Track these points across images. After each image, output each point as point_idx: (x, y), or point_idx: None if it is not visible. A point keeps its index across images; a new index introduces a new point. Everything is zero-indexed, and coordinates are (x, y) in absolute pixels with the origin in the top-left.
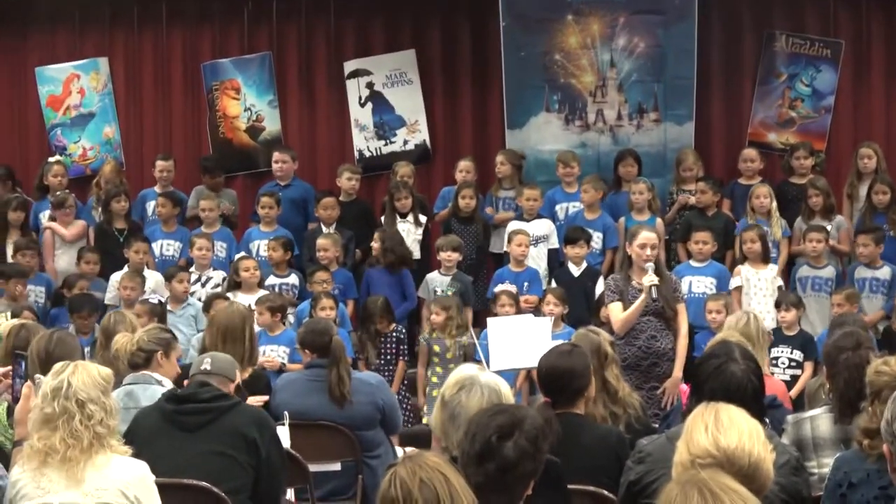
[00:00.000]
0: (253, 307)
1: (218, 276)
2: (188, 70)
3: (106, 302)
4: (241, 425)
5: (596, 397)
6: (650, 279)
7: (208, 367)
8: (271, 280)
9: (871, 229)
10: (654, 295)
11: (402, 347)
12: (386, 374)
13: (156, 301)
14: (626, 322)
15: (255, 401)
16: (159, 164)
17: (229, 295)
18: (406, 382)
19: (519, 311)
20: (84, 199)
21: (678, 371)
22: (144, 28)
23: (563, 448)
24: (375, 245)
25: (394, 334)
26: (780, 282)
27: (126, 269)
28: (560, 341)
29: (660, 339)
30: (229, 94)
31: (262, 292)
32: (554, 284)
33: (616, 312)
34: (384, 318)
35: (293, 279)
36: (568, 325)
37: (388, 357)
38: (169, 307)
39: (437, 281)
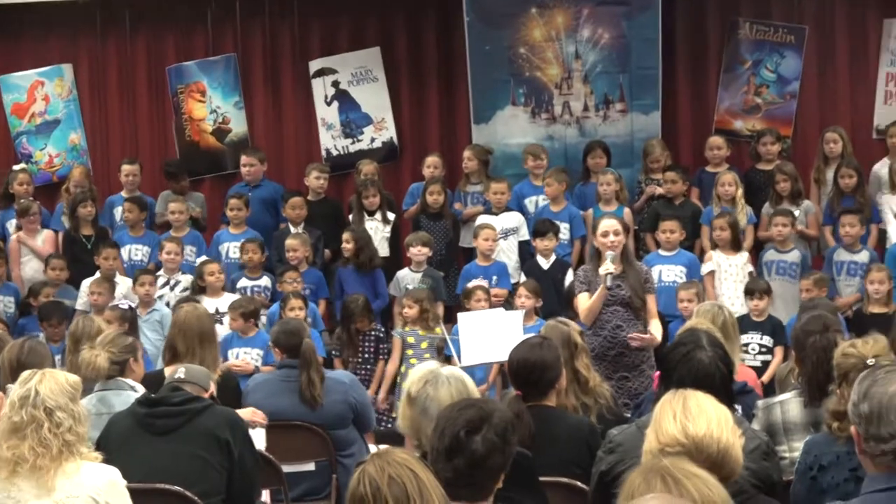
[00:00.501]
0: (219, 311)
1: (187, 279)
2: (153, 74)
3: (77, 308)
4: (213, 427)
5: (567, 388)
6: (605, 268)
7: (182, 376)
8: (243, 282)
9: (856, 210)
10: (609, 284)
11: (381, 346)
12: (364, 372)
13: (126, 307)
14: (591, 312)
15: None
16: (125, 168)
17: (198, 299)
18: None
19: (492, 305)
20: (51, 207)
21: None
22: (108, 33)
23: (536, 440)
24: (348, 245)
25: (372, 333)
26: (750, 267)
27: (97, 275)
28: (532, 334)
29: (626, 329)
30: (195, 96)
31: (227, 296)
32: (524, 278)
33: (583, 303)
34: (364, 317)
35: (265, 281)
36: (541, 317)
37: (367, 356)
38: (138, 313)
39: (408, 278)
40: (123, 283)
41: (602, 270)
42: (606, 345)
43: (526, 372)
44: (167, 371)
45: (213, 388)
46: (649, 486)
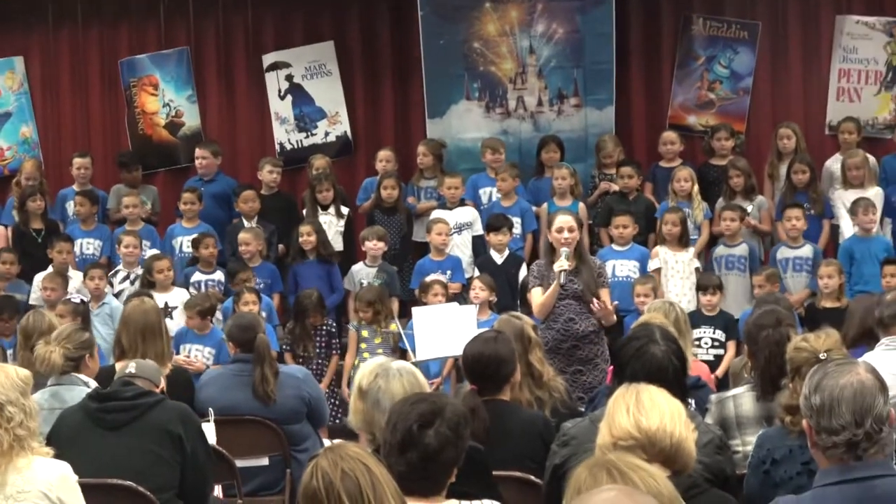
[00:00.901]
0: (169, 305)
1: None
2: (105, 67)
3: (30, 303)
4: (165, 422)
5: (521, 382)
6: (559, 265)
7: (133, 371)
8: (197, 276)
9: (799, 204)
10: (563, 280)
11: (333, 341)
12: (316, 367)
13: (78, 300)
14: (544, 306)
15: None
16: (76, 161)
17: (150, 293)
18: (335, 376)
19: (448, 299)
20: (1, 201)
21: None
22: (60, 26)
23: (490, 435)
24: (310, 238)
25: (324, 328)
26: (696, 263)
27: (50, 269)
28: (486, 328)
29: (578, 322)
30: (147, 90)
31: (176, 290)
32: (478, 272)
33: (536, 297)
34: (318, 312)
35: (218, 275)
36: (495, 312)
37: (320, 350)
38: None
39: (363, 272)
40: (76, 278)
41: (556, 267)
42: (559, 338)
43: (481, 366)
44: (117, 366)
45: (162, 384)
46: (595, 479)
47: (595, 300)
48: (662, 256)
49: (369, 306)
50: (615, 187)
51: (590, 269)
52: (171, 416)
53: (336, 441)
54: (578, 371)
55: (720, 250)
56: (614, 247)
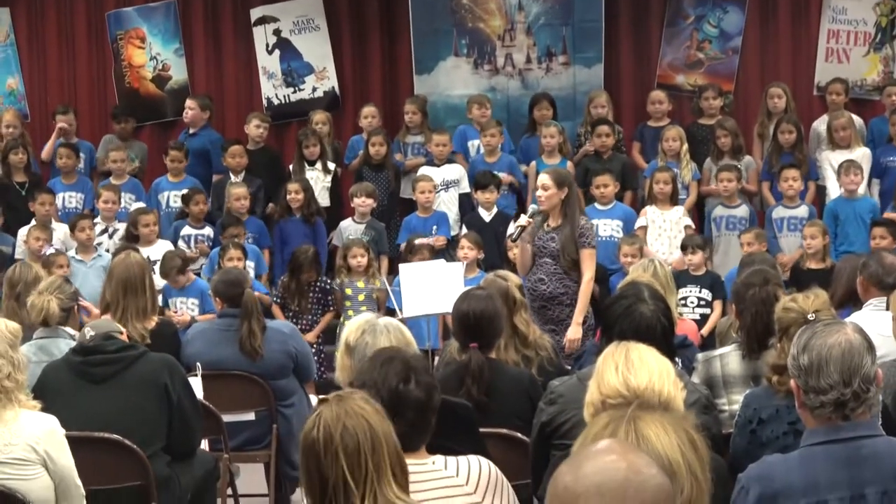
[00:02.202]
0: (151, 259)
1: (124, 227)
2: (92, 20)
3: (16, 256)
4: (150, 373)
5: (507, 343)
6: (521, 219)
7: (92, 332)
8: (187, 230)
9: (798, 164)
10: (514, 235)
11: (329, 297)
12: (306, 322)
13: (52, 252)
14: (519, 263)
15: None
16: (59, 118)
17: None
18: (322, 333)
19: (436, 255)
20: None
21: (578, 317)
22: None
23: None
24: (298, 196)
25: (318, 284)
26: (687, 221)
27: (33, 222)
28: (474, 286)
29: (547, 283)
30: (134, 43)
31: (160, 243)
32: (465, 230)
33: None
34: (312, 268)
35: (207, 230)
36: (482, 270)
37: (311, 306)
38: (79, 257)
39: (351, 228)
40: (59, 230)
41: (517, 222)
42: (528, 297)
43: (484, 323)
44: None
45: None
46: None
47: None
48: (650, 216)
49: (366, 251)
50: (591, 148)
51: (571, 229)
52: (157, 367)
53: (346, 391)
54: (552, 331)
55: (719, 210)
56: (597, 206)
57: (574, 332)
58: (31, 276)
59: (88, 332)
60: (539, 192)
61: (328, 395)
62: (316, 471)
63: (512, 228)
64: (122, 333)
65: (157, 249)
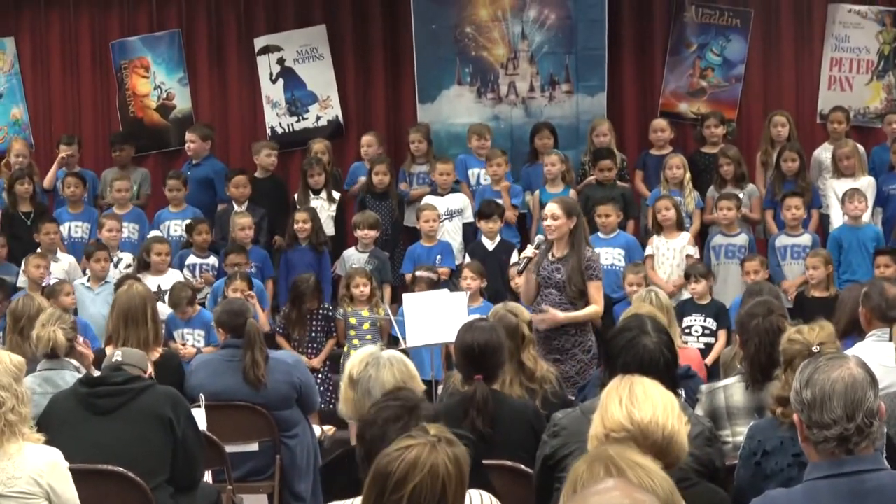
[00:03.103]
0: (161, 288)
1: (128, 257)
2: (97, 49)
3: (18, 285)
4: (155, 406)
5: (512, 379)
6: (525, 252)
7: (119, 359)
8: (192, 259)
9: (800, 193)
10: (521, 268)
11: (332, 325)
12: (311, 351)
13: (54, 281)
14: (523, 294)
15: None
16: (63, 147)
17: (139, 276)
18: (329, 361)
19: (437, 284)
20: None
21: (562, 315)
22: (52, 7)
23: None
24: (305, 225)
25: (321, 312)
26: (690, 250)
27: (38, 251)
28: (477, 315)
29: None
30: (139, 72)
31: (171, 272)
32: (469, 259)
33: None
34: (314, 297)
35: (212, 259)
36: (486, 299)
37: (315, 335)
38: (89, 285)
39: (355, 258)
40: (64, 260)
41: (523, 254)
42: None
43: (488, 354)
44: (107, 350)
45: (150, 370)
46: (593, 474)
47: (536, 316)
48: (655, 244)
49: (369, 280)
50: (594, 179)
51: (578, 259)
52: (162, 400)
53: (443, 432)
54: (556, 360)
55: (718, 239)
56: (599, 235)
57: (556, 314)
58: (35, 308)
59: (116, 355)
60: (548, 222)
61: (432, 429)
62: (374, 498)
63: (515, 257)
64: (146, 373)
65: (168, 279)
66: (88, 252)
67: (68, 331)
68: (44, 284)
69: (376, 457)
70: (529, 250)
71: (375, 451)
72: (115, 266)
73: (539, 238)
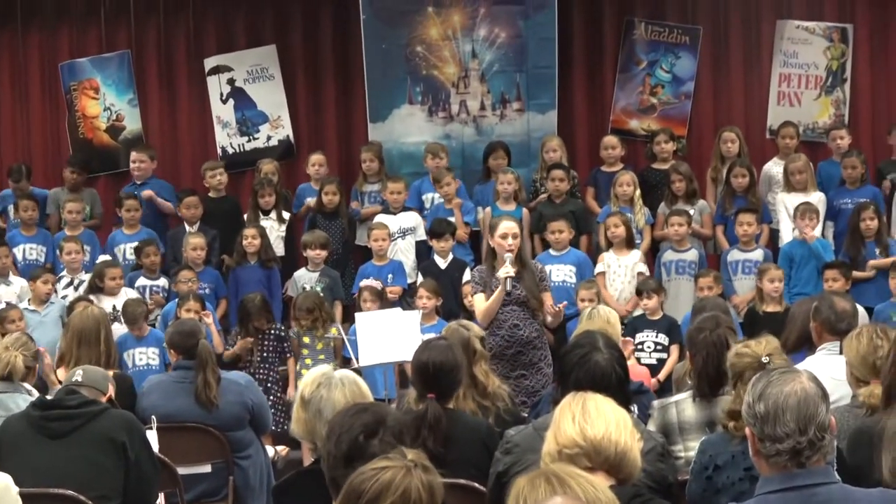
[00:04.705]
0: (116, 308)
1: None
2: (46, 70)
3: None
4: (109, 430)
5: (465, 393)
6: (505, 271)
7: (79, 379)
8: (142, 281)
9: (753, 209)
10: (509, 287)
11: (284, 345)
12: (263, 372)
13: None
14: (488, 313)
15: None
16: (11, 184)
17: (92, 298)
18: (280, 381)
19: (383, 305)
20: None
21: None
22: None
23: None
24: (255, 241)
25: (272, 332)
26: (641, 267)
27: None
28: (432, 334)
29: (523, 328)
30: (88, 93)
31: (125, 292)
32: (422, 277)
33: (479, 304)
34: (262, 316)
35: (162, 281)
36: (441, 317)
37: (267, 355)
38: (34, 308)
39: (305, 277)
40: (16, 283)
41: (502, 273)
42: (504, 344)
43: (443, 374)
44: (59, 372)
45: (111, 391)
46: (534, 489)
47: (551, 305)
48: (607, 261)
49: (309, 313)
50: (545, 196)
51: (531, 274)
52: (116, 424)
53: (421, 458)
54: (522, 375)
55: (669, 255)
56: (551, 252)
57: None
58: None
59: (77, 374)
60: (510, 241)
61: (410, 454)
62: None
63: (468, 276)
64: (105, 394)
65: (122, 300)
66: (34, 274)
67: (28, 358)
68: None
69: (354, 463)
70: (509, 268)
71: (354, 452)
72: (76, 289)
73: (509, 256)
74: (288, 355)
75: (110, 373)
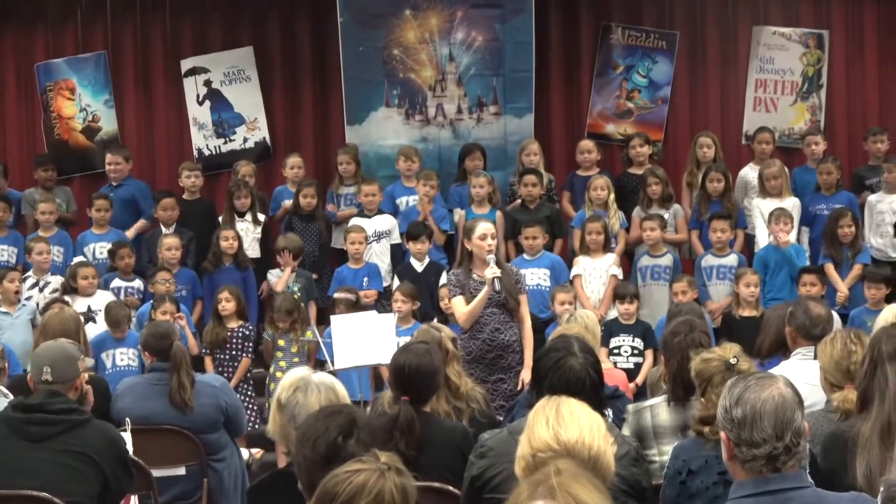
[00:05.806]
0: (91, 309)
1: (56, 280)
2: (21, 71)
3: None
4: (86, 445)
5: (438, 394)
6: (493, 271)
7: (49, 378)
8: (117, 283)
9: (726, 215)
10: (497, 287)
11: (247, 344)
12: (230, 370)
13: None
14: (471, 315)
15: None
16: None
17: (67, 299)
18: (252, 382)
19: (358, 310)
20: None
21: (529, 359)
22: None
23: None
24: (234, 243)
25: (240, 330)
26: (615, 270)
27: None
28: (408, 337)
29: (504, 332)
30: (64, 94)
31: (100, 293)
32: (398, 280)
33: (459, 307)
34: (235, 315)
35: (137, 283)
36: (418, 320)
37: (234, 353)
38: (5, 310)
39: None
40: None
41: (489, 274)
42: (485, 347)
43: (418, 378)
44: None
45: (84, 377)
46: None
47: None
48: (581, 264)
49: (288, 315)
50: (519, 202)
51: (508, 275)
52: (95, 440)
53: (395, 461)
54: (500, 379)
55: (645, 260)
56: (525, 256)
57: (528, 375)
58: None
59: (45, 372)
60: (489, 242)
61: (383, 456)
62: None
63: (444, 279)
64: (78, 378)
65: (98, 300)
66: (0, 274)
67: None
68: None
69: (333, 465)
70: (495, 269)
71: (333, 454)
72: (41, 290)
73: (492, 256)
74: (247, 354)
75: (84, 376)
